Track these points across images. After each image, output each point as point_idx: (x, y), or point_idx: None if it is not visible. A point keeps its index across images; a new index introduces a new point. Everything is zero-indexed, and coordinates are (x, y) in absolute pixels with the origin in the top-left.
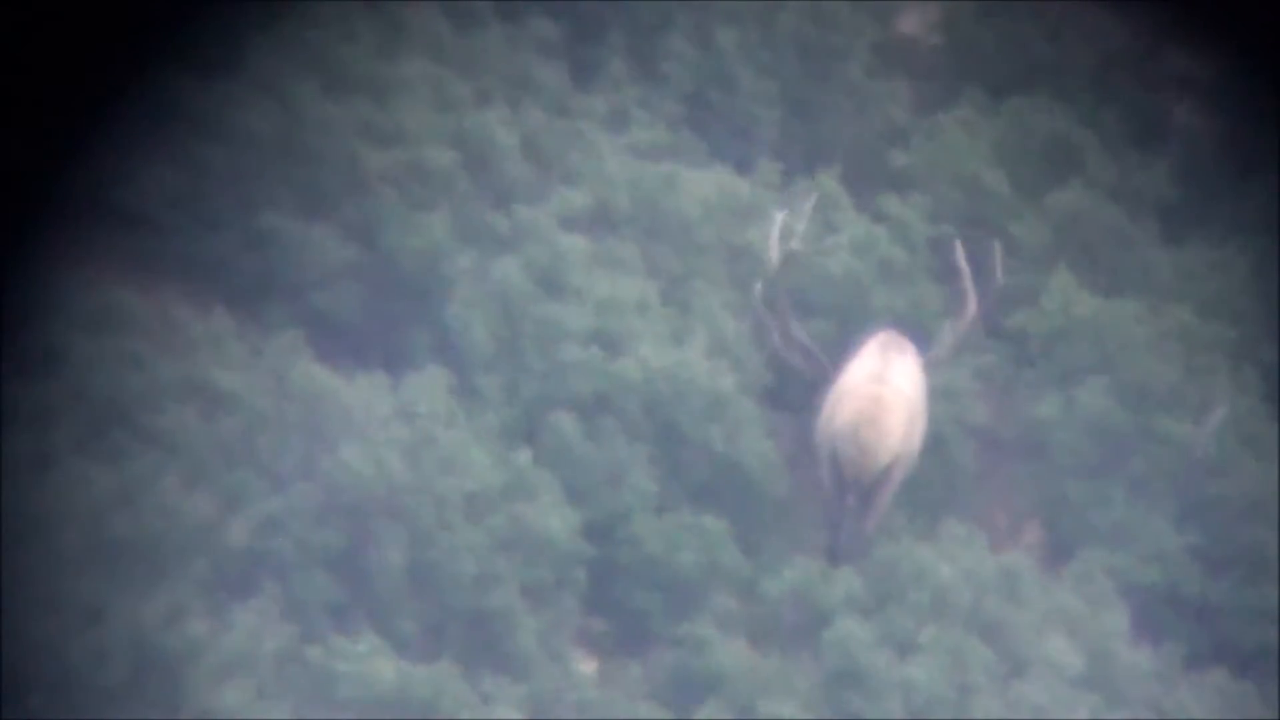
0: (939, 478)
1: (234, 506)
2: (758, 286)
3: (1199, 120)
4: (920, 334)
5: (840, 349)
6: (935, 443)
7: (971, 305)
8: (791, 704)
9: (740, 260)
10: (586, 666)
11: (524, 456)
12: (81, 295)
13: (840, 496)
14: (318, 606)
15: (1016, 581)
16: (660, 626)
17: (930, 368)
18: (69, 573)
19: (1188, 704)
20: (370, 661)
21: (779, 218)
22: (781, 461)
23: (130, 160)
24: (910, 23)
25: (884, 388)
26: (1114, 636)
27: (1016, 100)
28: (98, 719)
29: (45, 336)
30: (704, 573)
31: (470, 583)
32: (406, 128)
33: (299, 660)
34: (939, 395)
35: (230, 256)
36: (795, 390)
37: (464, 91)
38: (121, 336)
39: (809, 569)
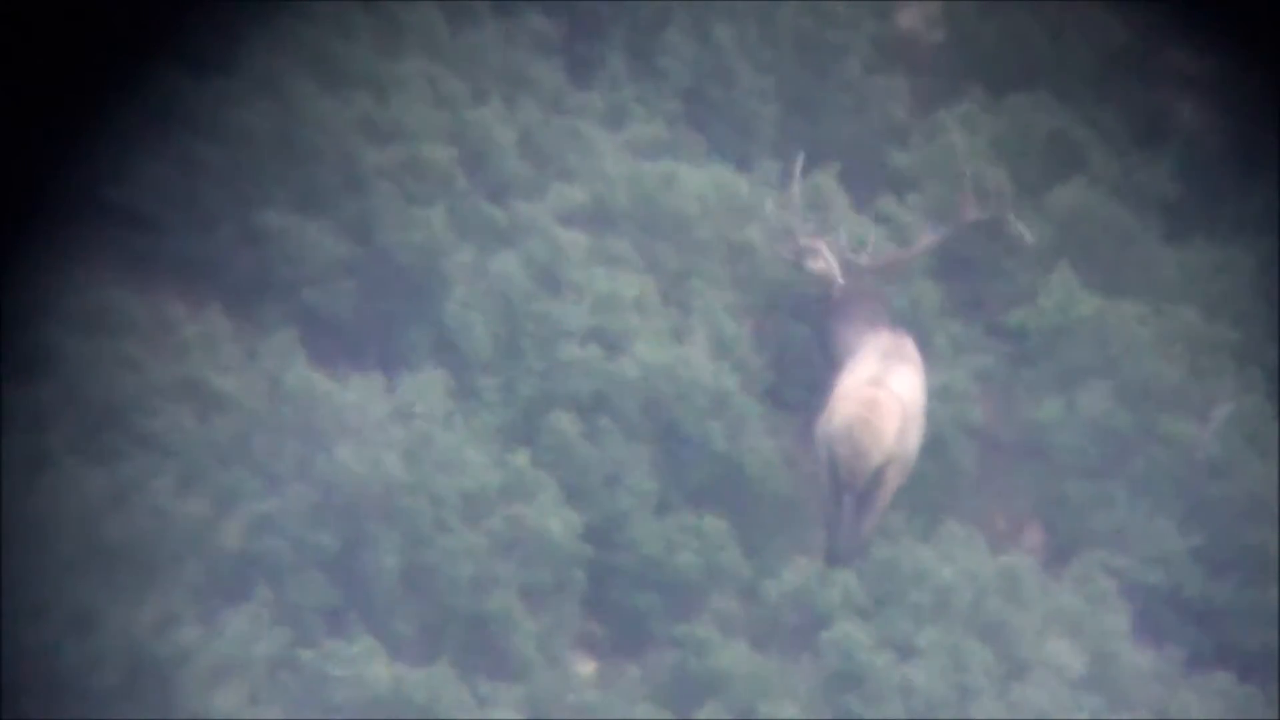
0: (939, 479)
1: (228, 508)
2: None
3: (1202, 118)
4: (920, 334)
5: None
6: (935, 444)
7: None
8: (791, 706)
9: (740, 258)
10: (585, 668)
11: (522, 457)
12: (75, 295)
13: (837, 498)
14: (312, 609)
15: (1017, 583)
16: (659, 628)
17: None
18: (61, 576)
19: (1190, 706)
20: (365, 664)
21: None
22: (782, 461)
23: (125, 158)
24: (910, 19)
25: (879, 390)
26: (1116, 638)
27: (1017, 98)
28: None
29: (38, 337)
30: (703, 574)
31: (467, 584)
32: (404, 124)
33: (292, 664)
34: (938, 396)
35: (226, 255)
36: (796, 389)
37: (461, 88)
38: (115, 337)
39: (808, 570)
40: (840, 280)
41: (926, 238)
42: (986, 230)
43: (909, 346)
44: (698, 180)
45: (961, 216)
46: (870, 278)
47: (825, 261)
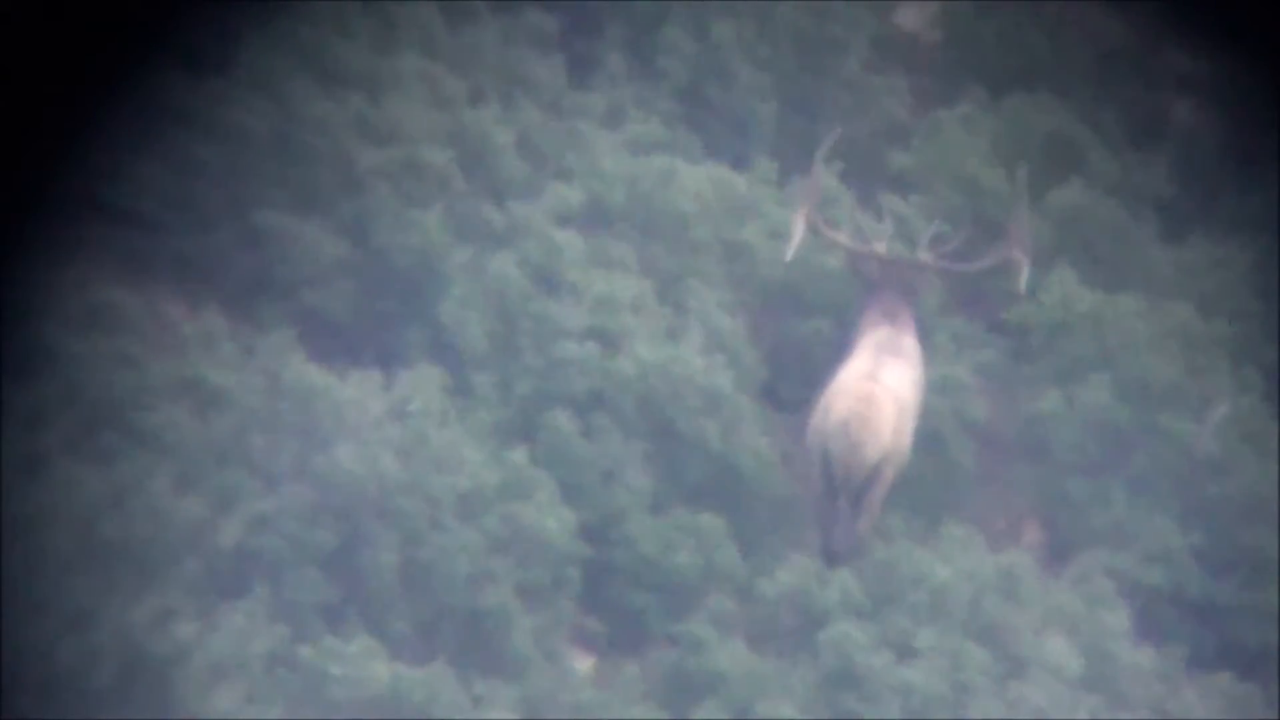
0: (937, 477)
1: (225, 506)
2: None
3: (1199, 117)
4: (922, 330)
5: (838, 347)
6: (933, 441)
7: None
8: (788, 705)
9: (737, 257)
10: (582, 667)
11: (519, 455)
12: (73, 294)
13: (832, 496)
14: (309, 607)
15: (1015, 582)
16: (656, 626)
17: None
18: (59, 574)
19: (1191, 705)
20: (363, 663)
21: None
22: (778, 460)
23: (123, 158)
24: (909, 18)
25: (875, 385)
26: (1115, 637)
27: (1016, 97)
28: None
29: (36, 336)
30: (700, 573)
31: (464, 583)
32: (401, 125)
33: (290, 662)
34: (937, 391)
35: (223, 254)
36: (792, 388)
37: (459, 88)
38: (113, 336)
39: (805, 569)
40: (886, 263)
41: (984, 259)
42: (987, 231)
43: (905, 341)
44: (695, 179)
45: (1007, 252)
46: (918, 275)
47: (869, 244)
